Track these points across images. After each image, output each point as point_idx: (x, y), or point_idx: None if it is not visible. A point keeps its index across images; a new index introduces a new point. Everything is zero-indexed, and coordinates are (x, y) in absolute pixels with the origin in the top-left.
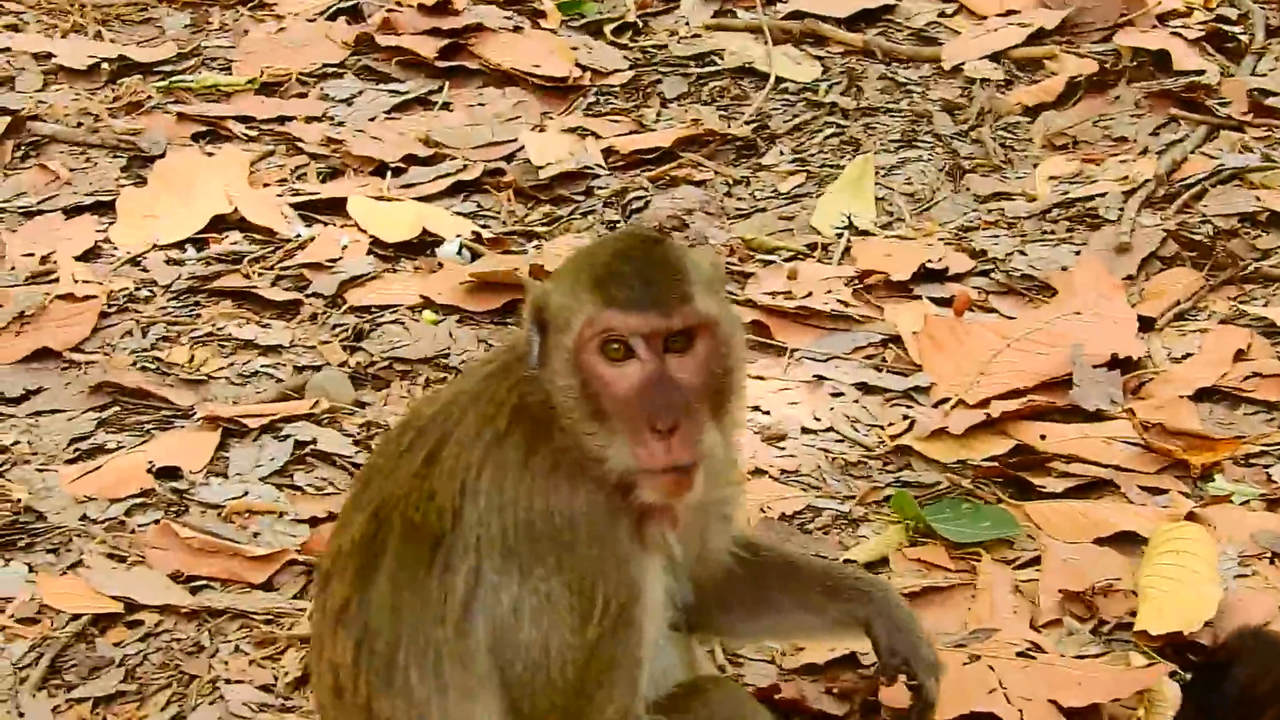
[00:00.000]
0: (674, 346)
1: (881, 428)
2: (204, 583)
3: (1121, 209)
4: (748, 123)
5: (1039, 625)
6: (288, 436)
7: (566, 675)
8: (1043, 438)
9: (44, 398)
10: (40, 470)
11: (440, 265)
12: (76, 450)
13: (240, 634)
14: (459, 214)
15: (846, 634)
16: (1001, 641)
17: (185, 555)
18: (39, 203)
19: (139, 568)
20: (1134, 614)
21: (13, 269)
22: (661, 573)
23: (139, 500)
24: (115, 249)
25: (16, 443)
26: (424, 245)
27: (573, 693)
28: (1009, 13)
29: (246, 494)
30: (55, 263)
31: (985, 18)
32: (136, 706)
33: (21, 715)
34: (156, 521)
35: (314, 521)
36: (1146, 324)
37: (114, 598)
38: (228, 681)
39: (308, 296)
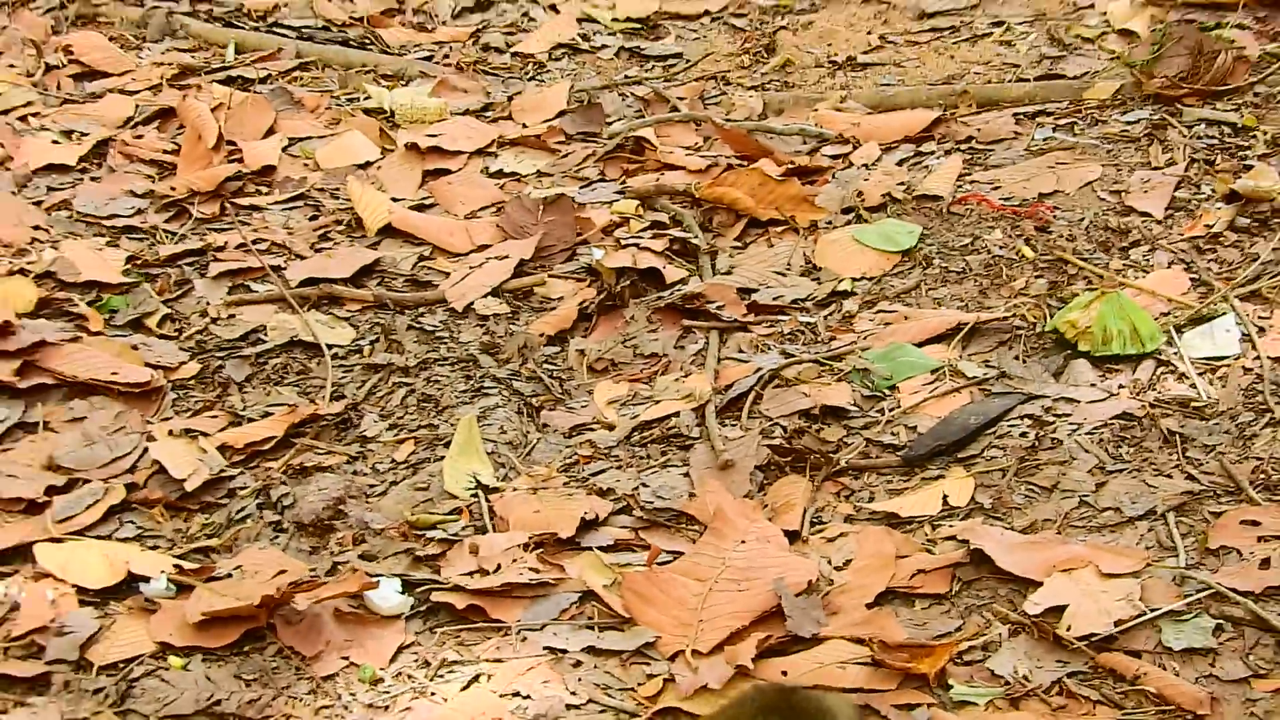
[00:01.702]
0: None
1: (633, 690)
2: None
3: (701, 425)
4: (334, 397)
5: None
6: None
7: None
8: (784, 674)
9: None
10: None
11: (150, 603)
12: None
13: None
14: (123, 540)
15: None
16: None
17: None
18: None
19: None
20: None
21: None
22: None
23: None
24: None
25: None
26: (127, 585)
27: None
28: (482, 248)
29: None
30: None
31: (465, 254)
32: None
33: None
34: None
35: None
36: (793, 537)
37: None
38: None
39: (49, 664)
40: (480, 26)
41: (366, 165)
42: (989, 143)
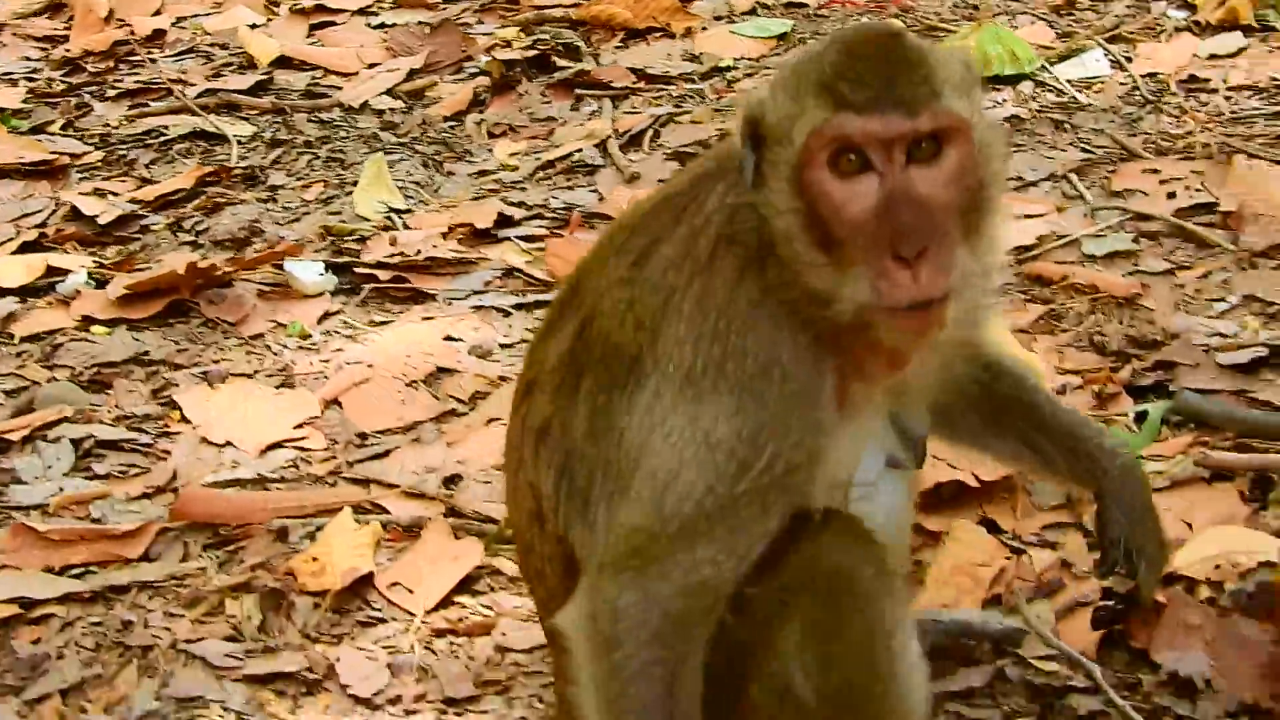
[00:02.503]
0: (919, 156)
1: None
2: (83, 570)
3: (605, 155)
4: (241, 160)
5: None
6: (58, 439)
7: (684, 512)
8: None
9: None
10: None
11: (76, 293)
12: None
13: (158, 603)
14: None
15: (1077, 490)
16: None
17: (48, 550)
18: None
19: (6, 572)
20: None
21: None
22: (862, 437)
23: None
24: None
25: None
26: (48, 287)
27: (681, 533)
28: (372, 65)
29: (61, 489)
30: None
31: (356, 73)
32: (108, 690)
33: None
34: None
35: (156, 491)
36: None
37: (5, 601)
38: (189, 641)
39: None
40: None
41: (254, 27)
42: None
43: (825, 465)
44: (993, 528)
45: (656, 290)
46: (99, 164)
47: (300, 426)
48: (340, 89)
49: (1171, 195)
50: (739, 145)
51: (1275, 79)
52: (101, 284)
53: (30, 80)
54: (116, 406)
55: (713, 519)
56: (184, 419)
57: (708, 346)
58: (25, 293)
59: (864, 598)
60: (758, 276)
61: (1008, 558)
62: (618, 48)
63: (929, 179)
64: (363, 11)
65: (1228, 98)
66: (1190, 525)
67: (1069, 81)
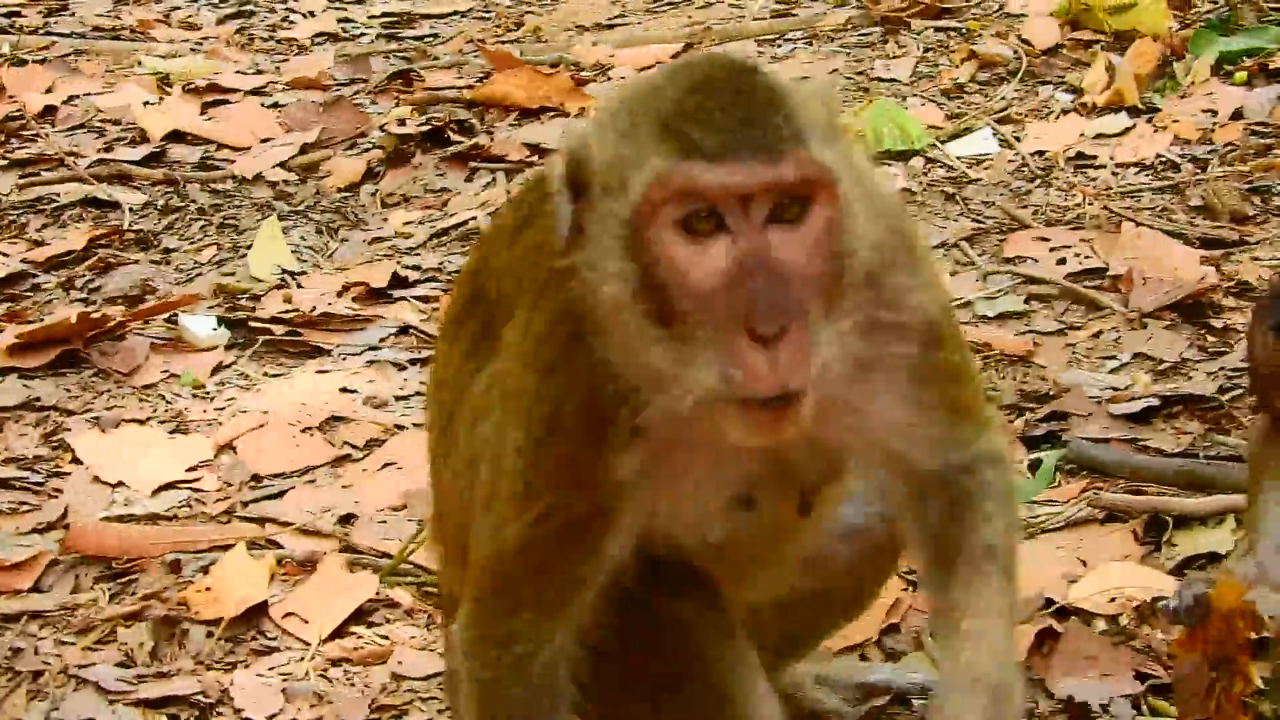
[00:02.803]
0: (782, 214)
1: None
2: None
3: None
4: (132, 230)
5: None
6: None
7: (493, 553)
8: None
9: None
10: None
11: None
12: None
13: (49, 631)
14: None
15: None
16: None
17: None
18: None
19: None
20: None
21: None
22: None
23: None
24: None
25: None
26: None
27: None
28: (265, 140)
29: None
30: None
31: (249, 147)
32: None
33: None
34: None
35: (48, 527)
36: None
37: None
38: (80, 667)
39: None
40: (244, 27)
41: (146, 105)
42: None
43: (634, 519)
44: None
45: (529, 266)
46: None
47: (194, 469)
48: (234, 162)
49: (1061, 261)
50: (555, 190)
51: (1160, 155)
52: None
53: None
54: (6, 449)
55: (515, 563)
56: (75, 460)
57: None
58: None
59: (701, 653)
60: (574, 360)
61: (903, 589)
62: (511, 125)
63: (793, 242)
64: (256, 91)
65: (1115, 173)
66: (1084, 563)
67: (959, 158)
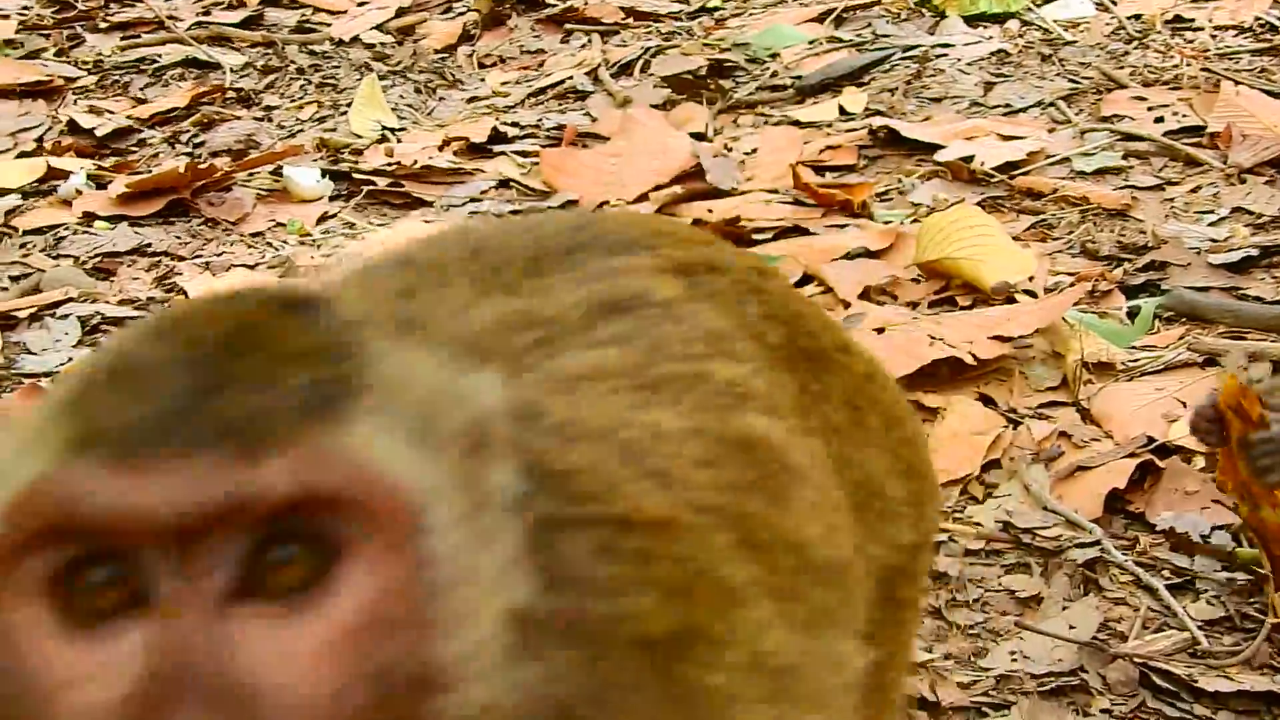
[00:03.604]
0: (277, 576)
1: None
2: None
3: (596, 81)
4: (233, 89)
5: None
6: (65, 316)
7: None
8: (709, 211)
9: None
10: None
11: (78, 193)
12: None
13: None
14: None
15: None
16: None
17: None
18: None
19: None
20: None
21: None
22: None
23: None
24: None
25: None
26: (49, 190)
27: None
28: (361, 4)
29: (70, 359)
30: None
31: (345, 10)
32: None
33: None
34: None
35: None
36: (699, 138)
37: None
38: None
39: None
40: None
41: None
42: None
43: None
44: (989, 403)
45: None
46: (93, 87)
47: None
48: (330, 25)
49: (1159, 120)
50: None
51: (1259, 18)
52: (101, 185)
53: (22, 15)
54: (121, 291)
55: None
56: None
57: None
58: (26, 194)
59: None
60: None
61: (1004, 428)
62: None
63: (285, 634)
64: None
65: (1213, 36)
66: (1184, 404)
67: (1055, 21)
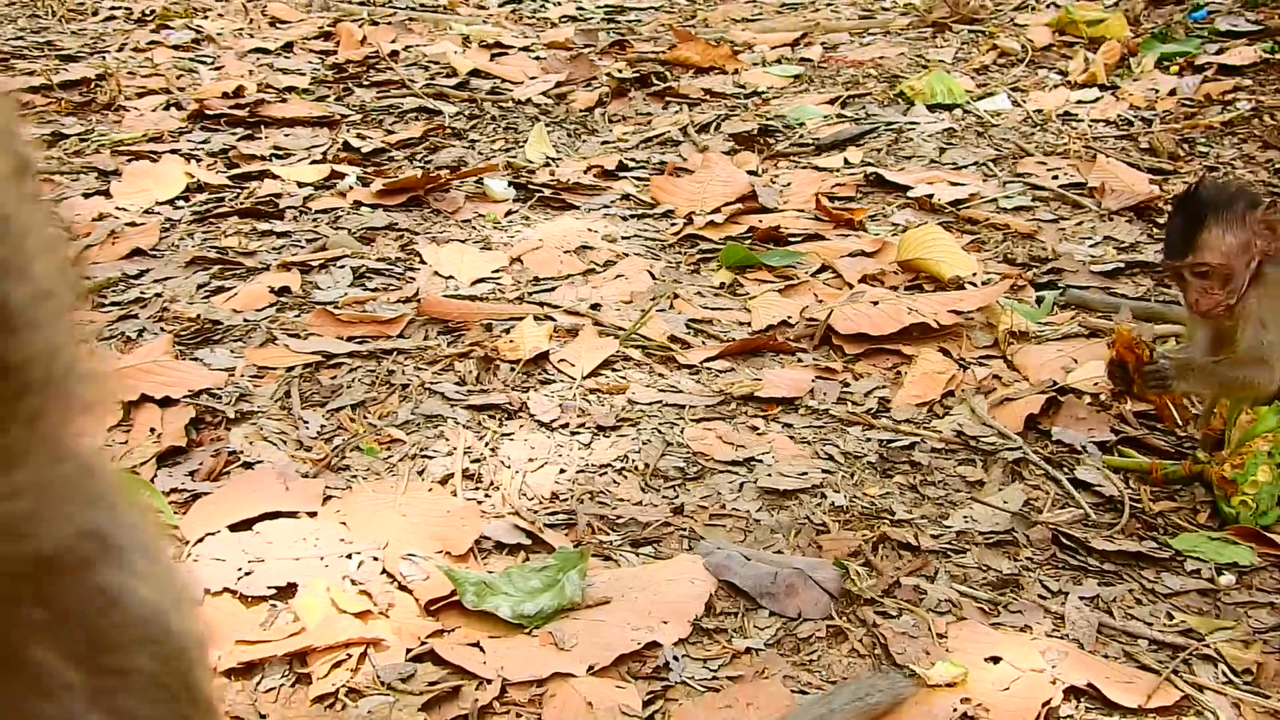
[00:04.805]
0: None
1: (658, 232)
2: (362, 339)
3: (685, 134)
4: (450, 124)
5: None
6: (342, 266)
7: None
8: (760, 221)
9: None
10: None
11: (350, 188)
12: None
13: (410, 362)
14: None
15: None
16: None
17: (340, 326)
18: None
19: (314, 338)
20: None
21: None
22: None
23: (275, 309)
24: None
25: None
26: (331, 186)
27: None
28: (533, 78)
29: (346, 294)
30: None
31: (521, 82)
32: (380, 406)
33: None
34: (300, 315)
35: (406, 300)
36: (752, 175)
37: (313, 353)
38: (431, 382)
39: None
40: (516, 9)
41: (456, 53)
42: (835, 43)
43: None
44: (947, 354)
45: None
46: (359, 122)
47: (497, 271)
48: (512, 89)
49: (1055, 176)
50: None
51: (1121, 115)
52: (365, 184)
53: (314, 73)
54: (378, 254)
55: None
56: (422, 261)
57: None
58: (317, 187)
59: None
60: None
61: (957, 370)
62: (691, 78)
63: None
64: (525, 48)
65: (1090, 126)
66: (1075, 360)
67: (985, 111)
